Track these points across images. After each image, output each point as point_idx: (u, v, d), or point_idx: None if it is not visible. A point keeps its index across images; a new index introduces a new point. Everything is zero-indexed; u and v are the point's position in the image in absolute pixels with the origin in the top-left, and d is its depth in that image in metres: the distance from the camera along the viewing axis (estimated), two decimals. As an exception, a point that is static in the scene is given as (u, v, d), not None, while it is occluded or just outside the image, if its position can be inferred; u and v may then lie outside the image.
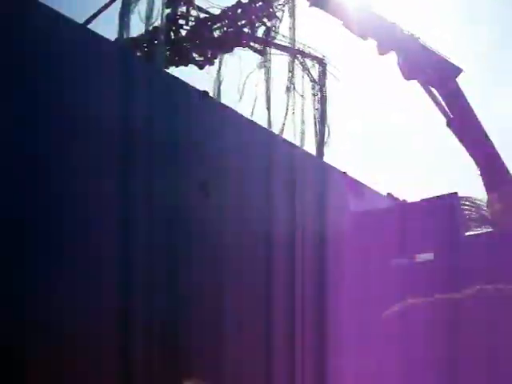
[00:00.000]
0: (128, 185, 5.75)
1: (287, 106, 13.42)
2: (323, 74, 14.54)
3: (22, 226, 4.83)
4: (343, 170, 10.03)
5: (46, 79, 5.10)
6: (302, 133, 13.52)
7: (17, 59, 4.89)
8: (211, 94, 12.32)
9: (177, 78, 6.56)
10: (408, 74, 13.76)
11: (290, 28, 13.73)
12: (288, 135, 13.05)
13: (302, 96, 14.04)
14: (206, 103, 6.80)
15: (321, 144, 13.48)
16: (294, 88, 13.92)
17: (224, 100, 12.68)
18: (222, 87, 12.93)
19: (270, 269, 7.47)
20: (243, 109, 12.15)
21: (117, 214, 5.64)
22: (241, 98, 13.15)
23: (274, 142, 8.08)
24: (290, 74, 13.89)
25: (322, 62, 14.56)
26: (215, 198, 6.57)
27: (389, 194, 12.18)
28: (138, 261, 5.74)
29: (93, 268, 5.31)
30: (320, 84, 14.39)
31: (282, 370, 7.31)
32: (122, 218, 5.66)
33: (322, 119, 14.23)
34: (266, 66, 13.66)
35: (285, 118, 13.12)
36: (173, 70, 11.89)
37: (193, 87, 6.74)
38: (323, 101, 14.39)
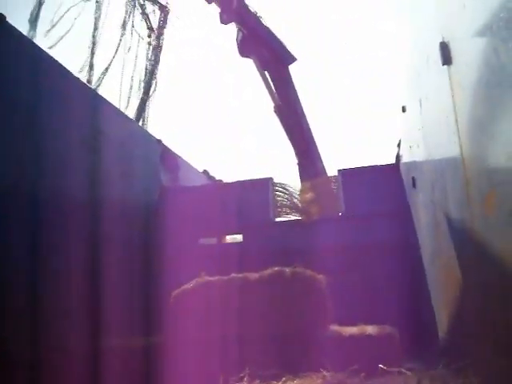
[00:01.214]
0: None
1: (118, 46, 12.21)
2: (164, 21, 13.53)
3: None
4: (158, 138, 9.49)
5: None
6: (131, 84, 12.40)
7: None
8: (29, 18, 10.88)
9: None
10: (244, 51, 13.58)
11: None
12: (113, 84, 12.02)
13: (140, 37, 12.79)
14: (1, 28, 5.78)
15: (144, 101, 12.52)
16: (133, 26, 12.71)
17: (40, 28, 11.15)
18: (41, 13, 11.22)
19: (62, 240, 6.62)
20: (59, 45, 10.87)
21: None
22: (52, 28, 11.57)
23: (75, 88, 7.16)
24: (128, 12, 12.69)
25: (164, 9, 13.57)
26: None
27: (205, 171, 11.90)
28: None
29: None
30: (158, 32, 13.36)
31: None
32: None
33: (152, 71, 13.15)
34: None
35: (111, 61, 11.96)
36: None
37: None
38: (158, 51, 13.34)
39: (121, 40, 12.28)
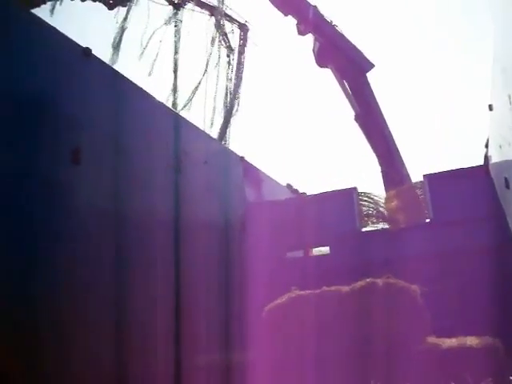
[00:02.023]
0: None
1: (206, 66, 12.37)
2: (244, 40, 13.65)
3: None
4: (241, 155, 9.57)
5: None
6: (214, 105, 12.56)
7: None
8: (112, 43, 11.28)
9: (56, 31, 5.75)
10: (321, 61, 13.60)
11: None
12: (197, 105, 12.21)
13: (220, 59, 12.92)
14: (87, 61, 6.04)
15: (227, 120, 12.63)
16: (224, 43, 12.83)
17: (125, 54, 11.61)
18: (125, 38, 11.64)
19: (149, 256, 6.83)
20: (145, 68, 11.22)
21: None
22: (142, 53, 11.99)
23: (163, 114, 7.39)
24: (215, 32, 12.86)
25: (244, 27, 13.69)
26: (87, 168, 5.84)
27: (288, 184, 11.89)
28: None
29: None
30: (239, 51, 13.47)
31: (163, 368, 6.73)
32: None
33: (234, 92, 13.24)
34: (177, 22, 12.55)
35: (198, 85, 12.17)
36: (78, 5, 10.67)
37: (74, 42, 5.95)
38: (240, 71, 13.43)
39: (208, 61, 12.47)
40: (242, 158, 9.54)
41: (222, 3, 12.56)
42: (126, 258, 6.36)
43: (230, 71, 13.11)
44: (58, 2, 9.46)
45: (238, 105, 12.73)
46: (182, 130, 7.61)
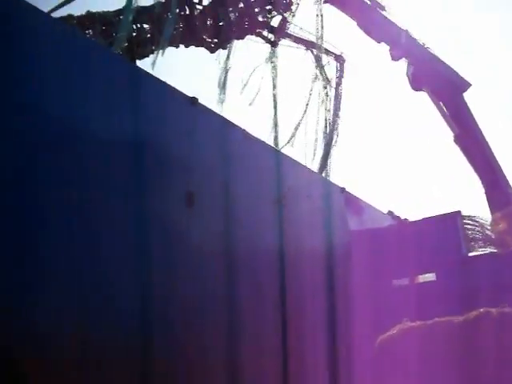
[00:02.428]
0: (110, 196, 5.39)
1: (306, 100, 12.66)
2: (341, 71, 13.84)
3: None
4: (342, 186, 9.69)
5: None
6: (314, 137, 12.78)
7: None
8: (218, 83, 11.81)
9: (164, 83, 6.17)
10: (416, 84, 13.52)
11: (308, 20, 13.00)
12: (298, 138, 12.42)
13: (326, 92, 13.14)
14: (195, 110, 6.42)
15: (327, 152, 12.78)
16: (321, 75, 13.06)
17: (229, 91, 12.09)
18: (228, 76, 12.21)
19: (260, 288, 7.09)
20: (245, 104, 11.63)
21: (100, 226, 5.26)
22: (243, 89, 12.48)
23: (265, 153, 7.68)
24: (317, 67, 13.14)
25: (340, 59, 13.88)
26: (201, 210, 6.17)
27: (390, 211, 11.83)
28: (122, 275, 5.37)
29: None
30: (337, 83, 13.66)
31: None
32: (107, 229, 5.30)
33: (333, 123, 13.44)
34: (273, 60, 12.99)
35: (301, 118, 12.48)
36: (182, 51, 11.23)
37: (181, 93, 6.35)
38: (338, 102, 13.60)
39: (307, 94, 12.76)
40: (343, 189, 9.64)
41: (319, 37, 12.84)
42: (237, 294, 6.62)
43: (328, 103, 13.34)
44: (161, 53, 10.04)
45: (337, 136, 12.89)
46: (284, 166, 7.84)
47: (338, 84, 13.72)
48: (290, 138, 12.17)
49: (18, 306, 4.36)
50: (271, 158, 7.80)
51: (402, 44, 13.16)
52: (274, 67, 13.07)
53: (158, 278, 5.68)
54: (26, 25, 4.73)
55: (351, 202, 9.80)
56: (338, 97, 13.67)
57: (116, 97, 5.55)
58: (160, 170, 5.90)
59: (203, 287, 6.14)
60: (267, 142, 7.68)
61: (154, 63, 10.41)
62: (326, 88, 13.61)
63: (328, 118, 13.52)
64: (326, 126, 13.26)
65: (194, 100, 6.40)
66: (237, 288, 6.61)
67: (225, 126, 6.91)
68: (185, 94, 6.30)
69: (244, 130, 7.09)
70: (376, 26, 13.20)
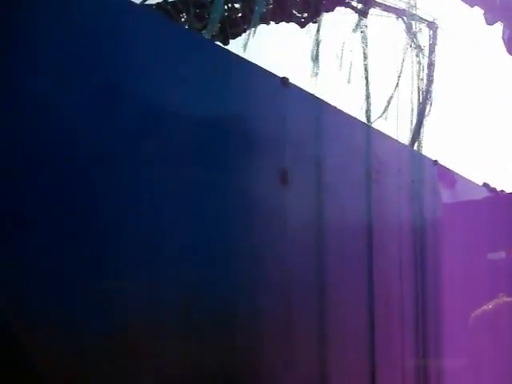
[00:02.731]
0: (205, 177, 5.64)
1: (398, 70, 12.45)
2: (434, 38, 13.44)
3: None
4: (434, 158, 9.56)
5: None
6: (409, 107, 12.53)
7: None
8: (310, 57, 11.85)
9: (254, 64, 6.33)
10: None
11: None
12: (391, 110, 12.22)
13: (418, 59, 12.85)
14: (286, 90, 6.56)
15: (420, 123, 12.53)
16: (414, 43, 12.79)
17: (322, 65, 12.08)
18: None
19: (362, 264, 7.24)
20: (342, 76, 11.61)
21: (195, 205, 5.53)
22: (340, 65, 12.45)
23: (356, 129, 7.73)
24: (409, 35, 12.86)
25: (432, 25, 13.47)
26: (296, 188, 6.36)
27: (485, 183, 11.53)
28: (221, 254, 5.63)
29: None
30: (430, 50, 13.29)
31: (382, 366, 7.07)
32: (200, 209, 5.55)
33: (426, 92, 13.11)
34: (362, 29, 12.83)
35: (394, 89, 12.31)
36: (273, 27, 11.38)
37: (272, 74, 6.50)
38: (431, 70, 13.25)
39: (399, 64, 12.55)
40: (436, 161, 9.52)
41: (412, 5, 12.54)
42: (328, 268, 6.77)
43: (421, 72, 13.05)
44: (252, 31, 10.21)
45: (431, 106, 12.60)
46: (375, 141, 7.87)
47: (432, 52, 13.33)
48: (383, 112, 12.04)
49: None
50: (363, 132, 7.85)
51: (496, 6, 12.64)
52: (364, 37, 12.91)
53: (256, 258, 5.93)
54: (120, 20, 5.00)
55: (444, 175, 9.67)
56: (431, 65, 13.31)
57: (207, 82, 5.78)
58: (254, 149, 6.12)
59: (297, 264, 6.34)
60: (358, 117, 7.68)
61: (246, 43, 10.59)
62: (418, 56, 13.27)
63: (421, 87, 13.21)
64: (419, 96, 12.95)
65: (284, 80, 6.54)
66: (328, 265, 6.77)
67: (315, 103, 7.02)
68: (275, 75, 6.46)
69: (335, 107, 7.17)
70: None
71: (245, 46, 11.14)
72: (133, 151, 4.92)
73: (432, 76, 13.37)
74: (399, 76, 12.91)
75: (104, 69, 4.83)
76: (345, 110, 7.38)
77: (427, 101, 13.11)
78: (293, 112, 6.65)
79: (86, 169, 4.53)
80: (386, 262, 7.70)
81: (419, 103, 12.78)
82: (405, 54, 13.15)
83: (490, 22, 13.45)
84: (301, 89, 6.81)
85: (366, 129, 8.44)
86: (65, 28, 4.58)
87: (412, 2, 12.87)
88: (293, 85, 6.66)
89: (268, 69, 6.45)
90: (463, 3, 13.17)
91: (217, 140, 5.78)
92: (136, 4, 5.98)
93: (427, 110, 13.12)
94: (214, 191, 5.60)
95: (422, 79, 13.31)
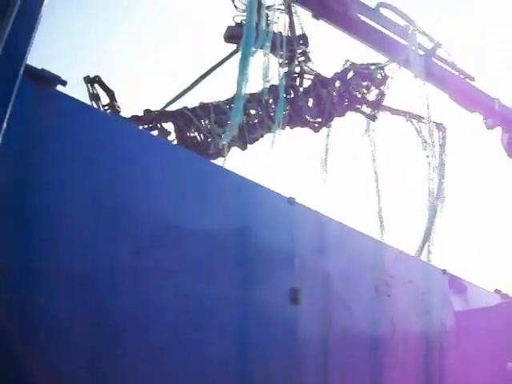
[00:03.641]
0: (217, 293, 5.76)
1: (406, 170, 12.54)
2: (443, 139, 13.80)
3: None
4: (443, 268, 9.62)
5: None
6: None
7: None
8: (320, 162, 12.15)
9: (260, 185, 6.62)
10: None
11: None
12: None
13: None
14: (293, 208, 6.80)
15: (429, 230, 12.60)
16: (423, 144, 13.00)
17: (332, 169, 12.34)
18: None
19: (370, 375, 7.19)
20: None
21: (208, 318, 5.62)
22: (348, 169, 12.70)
23: (366, 243, 7.89)
24: (418, 137, 13.20)
25: (441, 127, 13.87)
26: (306, 306, 6.43)
27: (497, 290, 11.47)
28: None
29: None
30: (440, 151, 13.60)
31: None
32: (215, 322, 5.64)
33: (438, 195, 13.27)
34: (370, 133, 13.23)
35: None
36: (287, 132, 11.77)
37: (279, 194, 6.76)
38: (441, 172, 13.47)
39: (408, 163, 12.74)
40: (444, 270, 9.58)
41: (424, 109, 13.01)
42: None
43: (430, 172, 13.33)
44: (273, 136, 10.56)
45: (443, 206, 12.79)
46: (384, 254, 8.02)
47: (441, 152, 13.66)
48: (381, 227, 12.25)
49: None
50: (372, 247, 8.01)
51: (495, 113, 13.08)
52: (373, 140, 13.35)
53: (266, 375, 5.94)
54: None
55: (454, 284, 9.69)
56: (441, 166, 13.60)
57: (221, 203, 6.04)
58: (265, 267, 6.27)
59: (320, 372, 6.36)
60: (364, 232, 7.85)
61: (272, 143, 10.96)
62: (428, 157, 13.59)
63: (432, 189, 13.44)
64: (429, 199, 13.20)
65: (291, 200, 6.82)
66: (347, 373, 6.75)
67: (322, 220, 7.22)
68: (282, 196, 6.75)
69: (341, 223, 7.36)
70: (469, 97, 13.20)
71: (271, 145, 11.53)
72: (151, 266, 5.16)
73: (443, 176, 13.59)
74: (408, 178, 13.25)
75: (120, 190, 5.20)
76: (353, 223, 7.58)
77: (436, 207, 13.27)
78: (300, 229, 6.85)
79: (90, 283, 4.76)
80: (399, 375, 7.62)
81: (428, 211, 13.00)
82: (414, 155, 13.52)
83: (490, 127, 13.84)
84: (307, 207, 7.04)
85: (376, 242, 8.58)
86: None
87: (426, 106, 13.33)
88: (299, 203, 6.91)
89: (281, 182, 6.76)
90: (464, 110, 13.64)
91: (228, 258, 5.97)
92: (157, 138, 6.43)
93: (438, 211, 13.25)
94: (225, 305, 5.73)
95: (433, 180, 13.51)
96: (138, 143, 5.58)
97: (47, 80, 4.71)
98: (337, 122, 12.70)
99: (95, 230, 4.84)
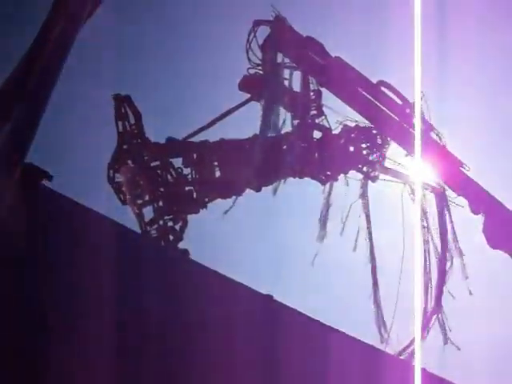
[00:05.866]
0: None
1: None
2: (441, 205, 13.60)
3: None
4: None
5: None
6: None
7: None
8: (319, 219, 11.96)
9: (236, 282, 6.32)
10: (493, 243, 12.82)
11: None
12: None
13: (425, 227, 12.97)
14: (272, 308, 6.49)
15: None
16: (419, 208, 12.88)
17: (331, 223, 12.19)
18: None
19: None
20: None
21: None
22: (342, 231, 12.63)
23: (349, 346, 7.53)
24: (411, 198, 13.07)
25: (437, 191, 13.70)
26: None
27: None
28: None
29: None
30: (439, 214, 13.39)
31: None
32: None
33: (442, 262, 13.03)
34: (365, 196, 13.14)
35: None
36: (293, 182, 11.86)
37: (256, 292, 6.46)
38: (444, 234, 13.25)
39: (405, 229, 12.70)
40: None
41: (419, 175, 12.90)
42: None
43: (428, 236, 13.10)
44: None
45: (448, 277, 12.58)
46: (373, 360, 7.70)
47: (440, 214, 13.46)
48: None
49: None
50: (369, 355, 7.67)
51: (480, 200, 12.81)
52: (366, 203, 13.21)
53: None
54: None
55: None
56: (443, 229, 13.35)
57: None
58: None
59: None
60: (349, 334, 7.46)
61: (275, 190, 10.97)
62: (423, 221, 13.42)
63: (436, 257, 13.20)
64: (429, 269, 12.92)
65: (269, 297, 6.52)
66: None
67: (303, 319, 6.89)
68: (261, 294, 6.44)
69: (324, 324, 7.01)
70: (459, 183, 12.94)
71: (274, 191, 11.67)
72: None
73: (446, 240, 13.30)
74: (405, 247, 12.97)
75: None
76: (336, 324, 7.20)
77: (445, 270, 12.96)
78: (280, 327, 6.51)
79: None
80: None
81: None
82: (412, 220, 13.29)
83: (474, 212, 13.37)
84: (286, 305, 6.71)
85: (372, 349, 8.18)
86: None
87: (421, 173, 13.18)
88: (278, 301, 6.57)
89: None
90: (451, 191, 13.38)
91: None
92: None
93: (445, 277, 12.99)
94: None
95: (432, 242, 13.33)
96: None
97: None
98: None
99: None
